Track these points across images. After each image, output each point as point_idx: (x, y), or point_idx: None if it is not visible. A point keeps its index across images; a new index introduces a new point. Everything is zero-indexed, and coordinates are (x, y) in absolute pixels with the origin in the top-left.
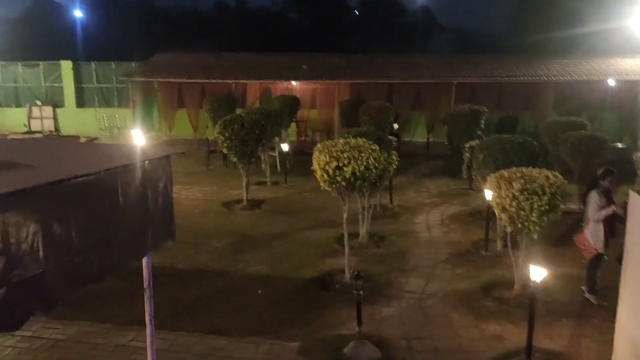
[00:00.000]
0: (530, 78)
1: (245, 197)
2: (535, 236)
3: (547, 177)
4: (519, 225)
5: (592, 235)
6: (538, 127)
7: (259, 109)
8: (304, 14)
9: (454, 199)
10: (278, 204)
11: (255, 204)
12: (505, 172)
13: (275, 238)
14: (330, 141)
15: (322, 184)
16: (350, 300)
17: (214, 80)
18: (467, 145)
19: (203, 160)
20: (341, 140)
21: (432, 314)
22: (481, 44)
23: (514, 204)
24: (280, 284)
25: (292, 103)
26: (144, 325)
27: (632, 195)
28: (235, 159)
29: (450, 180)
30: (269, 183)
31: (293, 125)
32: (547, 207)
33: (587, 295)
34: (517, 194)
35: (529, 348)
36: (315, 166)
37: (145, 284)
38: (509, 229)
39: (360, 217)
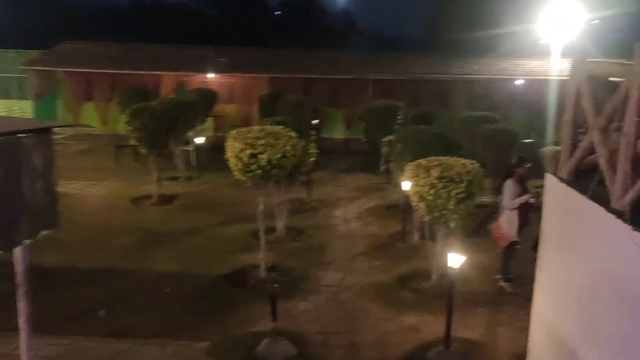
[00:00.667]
0: (445, 76)
1: (155, 193)
2: (452, 224)
3: (464, 165)
4: (437, 214)
5: (507, 224)
6: (453, 123)
7: (171, 99)
8: (223, 12)
9: (371, 193)
10: (191, 199)
11: (166, 199)
12: (423, 161)
13: (187, 234)
14: (244, 128)
15: (235, 173)
16: (265, 296)
17: (125, 72)
18: (384, 139)
19: (113, 155)
20: (256, 127)
21: (350, 308)
22: (399, 46)
23: (431, 192)
24: (190, 281)
25: (209, 96)
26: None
27: (548, 177)
28: (144, 152)
29: (368, 175)
30: (182, 178)
31: (210, 120)
32: (464, 194)
33: (502, 283)
34: (435, 181)
35: (448, 337)
36: (228, 154)
37: (19, 279)
38: (426, 219)
39: (276, 211)
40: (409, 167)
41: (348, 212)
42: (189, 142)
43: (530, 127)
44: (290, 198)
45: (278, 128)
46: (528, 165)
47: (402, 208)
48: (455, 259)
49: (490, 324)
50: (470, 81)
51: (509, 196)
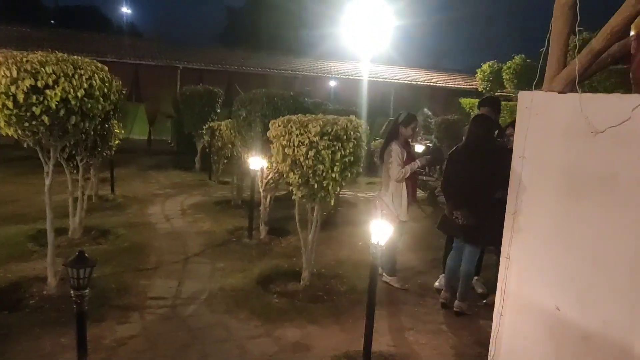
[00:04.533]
0: (259, 70)
1: None
2: (332, 202)
3: (349, 120)
4: (316, 185)
5: (393, 200)
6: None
7: None
8: None
9: (192, 190)
10: None
11: None
12: (293, 117)
13: None
14: (21, 52)
15: (1, 122)
16: (57, 321)
17: None
18: (205, 127)
19: None
20: (40, 52)
21: (200, 325)
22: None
23: (310, 154)
24: None
25: None
26: None
27: (526, 94)
28: None
29: (182, 172)
30: None
31: None
32: (351, 157)
33: (386, 278)
34: (315, 139)
35: (367, 353)
36: None
37: None
38: (298, 194)
39: (70, 206)
40: (276, 124)
41: (168, 208)
42: None
43: None
44: (85, 193)
45: (78, 58)
46: (416, 125)
47: (238, 203)
48: (382, 232)
49: (395, 329)
50: (287, 77)
51: (397, 163)
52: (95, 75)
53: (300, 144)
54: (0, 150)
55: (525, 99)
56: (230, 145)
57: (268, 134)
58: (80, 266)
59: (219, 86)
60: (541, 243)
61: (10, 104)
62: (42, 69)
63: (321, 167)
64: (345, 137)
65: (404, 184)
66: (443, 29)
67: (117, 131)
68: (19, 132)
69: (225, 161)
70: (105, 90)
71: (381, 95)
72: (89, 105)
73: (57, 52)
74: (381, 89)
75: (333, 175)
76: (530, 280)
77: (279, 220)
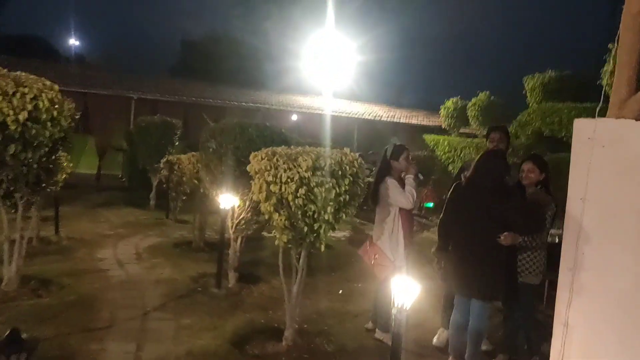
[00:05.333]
0: (219, 101)
1: None
2: (322, 247)
3: (345, 154)
4: (305, 228)
5: (388, 242)
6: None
7: None
8: None
9: (147, 230)
10: None
11: None
12: (279, 149)
13: None
14: None
15: None
16: None
17: None
18: (162, 161)
19: None
20: None
21: None
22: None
23: (301, 192)
24: None
25: None
26: None
27: (585, 122)
28: None
29: (136, 209)
30: None
31: None
32: (346, 197)
33: (380, 335)
34: (307, 174)
35: None
36: None
37: None
38: (283, 239)
39: (5, 252)
40: (258, 158)
41: (121, 252)
42: None
43: None
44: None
45: (21, 74)
46: (408, 154)
47: (201, 245)
48: (409, 292)
49: None
50: (248, 109)
51: (399, 191)
52: (43, 94)
53: (288, 180)
54: None
55: (586, 128)
56: (195, 181)
57: (248, 167)
58: (12, 351)
59: (175, 118)
60: (613, 307)
61: None
62: None
63: (312, 207)
64: (340, 172)
65: (399, 223)
66: (404, 66)
67: (65, 164)
68: None
69: (184, 198)
70: (55, 113)
71: (344, 130)
72: (33, 132)
73: None
74: (344, 123)
75: (326, 217)
76: (599, 356)
77: (248, 265)
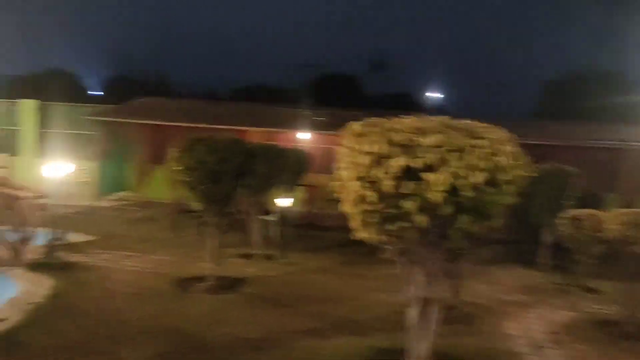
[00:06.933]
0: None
1: (212, 273)
2: None
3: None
4: None
5: None
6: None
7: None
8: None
9: (550, 299)
10: (264, 286)
11: (228, 283)
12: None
13: (249, 349)
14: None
15: (356, 223)
16: None
17: (202, 125)
18: (562, 215)
19: (170, 223)
20: (411, 118)
21: None
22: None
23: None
24: None
25: (300, 159)
26: None
27: None
28: (199, 206)
29: (527, 270)
30: (257, 256)
31: (300, 190)
32: None
33: None
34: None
35: None
36: (341, 176)
37: None
38: None
39: (414, 319)
40: None
41: (531, 328)
42: (268, 211)
43: None
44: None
45: (463, 123)
46: None
47: None
48: None
49: None
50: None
51: None
52: (501, 149)
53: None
54: (328, 234)
55: None
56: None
57: None
58: None
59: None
60: None
61: (372, 196)
62: (419, 139)
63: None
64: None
65: None
66: None
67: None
68: (375, 235)
69: (595, 261)
70: (507, 168)
71: None
72: (488, 198)
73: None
74: None
75: None
76: None
77: None
